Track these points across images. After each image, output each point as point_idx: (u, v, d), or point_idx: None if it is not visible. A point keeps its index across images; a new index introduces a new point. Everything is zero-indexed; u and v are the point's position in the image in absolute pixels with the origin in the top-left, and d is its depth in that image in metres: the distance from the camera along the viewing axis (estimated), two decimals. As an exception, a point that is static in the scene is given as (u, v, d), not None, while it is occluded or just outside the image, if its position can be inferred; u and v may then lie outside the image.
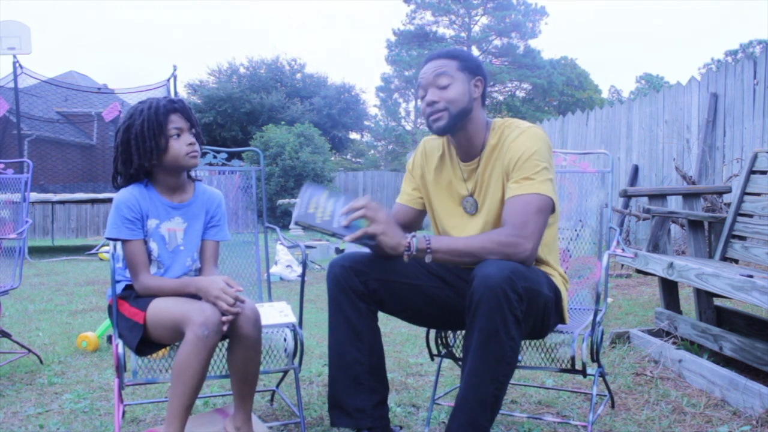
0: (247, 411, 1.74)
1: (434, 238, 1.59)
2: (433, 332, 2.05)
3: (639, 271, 2.83)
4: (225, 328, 1.62)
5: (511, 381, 1.80)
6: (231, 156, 2.50)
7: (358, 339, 1.70)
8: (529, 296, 1.50)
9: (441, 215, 1.85)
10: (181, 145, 1.77)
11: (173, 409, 1.57)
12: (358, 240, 1.53)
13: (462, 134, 1.74)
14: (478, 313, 1.46)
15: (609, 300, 3.35)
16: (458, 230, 1.80)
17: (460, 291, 1.74)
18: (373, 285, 1.71)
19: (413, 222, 1.93)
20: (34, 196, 8.84)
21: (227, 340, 1.74)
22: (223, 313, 1.62)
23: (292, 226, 1.50)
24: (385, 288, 1.73)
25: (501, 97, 26.77)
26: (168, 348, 1.79)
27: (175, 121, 1.77)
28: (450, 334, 2.06)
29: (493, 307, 1.44)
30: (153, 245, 1.79)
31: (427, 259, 1.57)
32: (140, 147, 1.75)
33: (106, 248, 2.12)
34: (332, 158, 18.37)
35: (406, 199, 1.92)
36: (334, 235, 1.51)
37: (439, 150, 1.85)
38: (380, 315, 1.79)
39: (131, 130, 1.76)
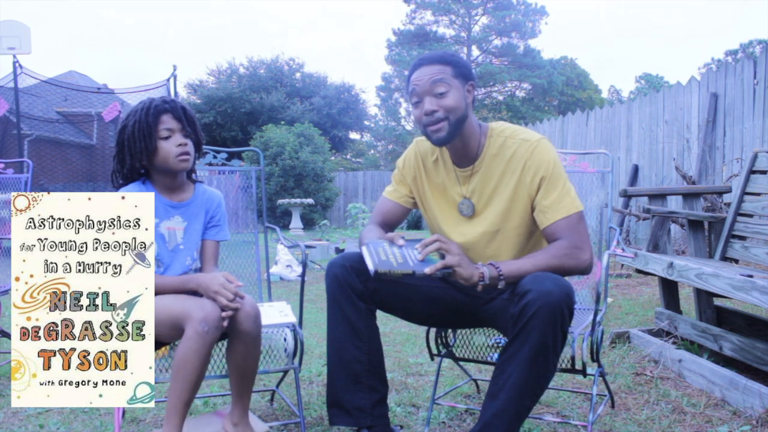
0: (245, 407, 1.74)
1: (502, 264, 1.58)
2: (433, 332, 2.05)
3: (639, 271, 2.83)
4: (225, 323, 1.62)
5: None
6: (231, 156, 2.50)
7: (357, 337, 1.70)
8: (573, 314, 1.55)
9: (438, 218, 1.84)
10: (171, 146, 1.76)
11: (172, 404, 1.58)
12: (437, 270, 1.52)
13: (458, 140, 1.71)
14: (532, 326, 1.46)
15: (609, 300, 3.35)
16: (457, 233, 1.79)
17: (468, 290, 1.73)
18: (372, 284, 1.71)
19: (398, 219, 1.91)
20: (34, 196, 8.77)
21: (227, 340, 1.73)
22: (223, 309, 1.62)
23: (372, 273, 1.52)
24: (385, 287, 1.73)
25: (501, 97, 26.74)
26: (168, 347, 1.79)
27: (166, 122, 1.76)
28: (450, 333, 2.06)
29: (549, 324, 1.45)
30: (152, 244, 1.79)
31: (500, 285, 1.57)
32: (131, 148, 1.76)
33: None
34: (332, 158, 18.33)
35: (397, 197, 1.90)
36: (414, 273, 1.51)
37: (433, 154, 1.83)
38: (380, 315, 1.79)
39: (125, 131, 1.77)
